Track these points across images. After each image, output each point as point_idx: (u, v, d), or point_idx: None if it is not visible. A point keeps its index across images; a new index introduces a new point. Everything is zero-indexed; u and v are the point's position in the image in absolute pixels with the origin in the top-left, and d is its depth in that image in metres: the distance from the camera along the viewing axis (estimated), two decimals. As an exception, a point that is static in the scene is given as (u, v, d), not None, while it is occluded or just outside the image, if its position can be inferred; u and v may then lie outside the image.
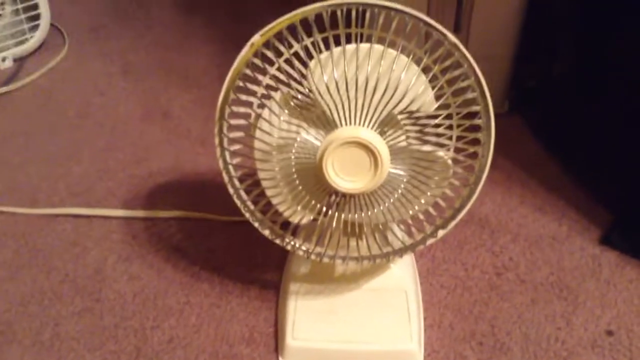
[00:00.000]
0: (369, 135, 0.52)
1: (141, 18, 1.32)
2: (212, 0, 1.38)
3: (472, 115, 0.56)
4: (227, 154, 0.58)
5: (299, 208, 0.58)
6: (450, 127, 0.56)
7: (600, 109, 0.85)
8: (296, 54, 0.54)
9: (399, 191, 0.57)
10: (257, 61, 0.55)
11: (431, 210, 0.60)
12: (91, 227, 0.81)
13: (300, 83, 0.54)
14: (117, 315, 0.70)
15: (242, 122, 0.57)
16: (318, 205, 0.58)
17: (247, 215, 0.60)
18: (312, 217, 0.59)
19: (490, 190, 0.86)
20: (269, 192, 0.58)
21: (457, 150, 0.58)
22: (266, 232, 0.61)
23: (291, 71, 0.55)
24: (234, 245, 0.78)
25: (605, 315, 0.69)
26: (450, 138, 0.57)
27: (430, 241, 0.61)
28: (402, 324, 0.65)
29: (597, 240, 0.79)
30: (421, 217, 0.59)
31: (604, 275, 0.74)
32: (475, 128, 0.56)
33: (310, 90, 0.54)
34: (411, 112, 0.55)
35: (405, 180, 0.56)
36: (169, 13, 1.34)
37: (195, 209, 0.83)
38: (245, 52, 0.54)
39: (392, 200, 0.57)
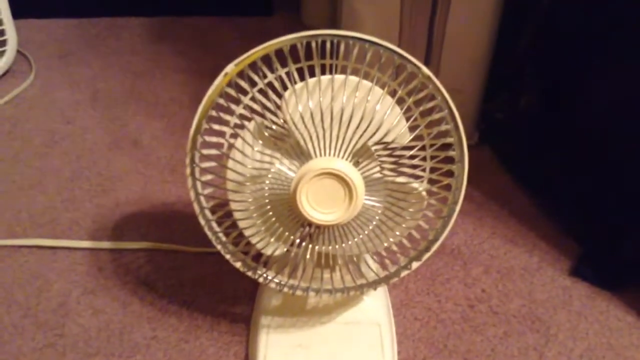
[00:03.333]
0: (344, 166, 0.52)
1: (110, 45, 1.31)
2: (180, 29, 1.37)
3: (446, 147, 0.56)
4: (198, 184, 0.57)
5: (272, 240, 0.57)
6: (424, 159, 0.57)
7: (565, 141, 0.87)
8: (270, 85, 0.54)
9: (374, 222, 0.56)
10: (231, 91, 0.54)
11: (405, 242, 0.59)
12: (55, 259, 0.79)
13: (274, 113, 0.54)
14: (80, 352, 0.67)
15: (214, 151, 0.56)
16: (291, 237, 0.57)
17: (219, 247, 0.59)
18: (285, 249, 0.58)
19: (462, 221, 0.87)
20: (241, 224, 0.57)
21: (431, 181, 0.58)
22: (238, 265, 0.60)
23: (265, 101, 0.54)
24: (204, 277, 0.76)
25: (577, 348, 0.70)
26: (424, 170, 0.57)
27: (404, 273, 0.61)
28: (376, 359, 0.64)
29: (567, 272, 0.79)
30: (395, 249, 0.59)
31: (575, 306, 0.75)
32: (449, 160, 0.56)
33: (284, 121, 0.53)
34: (386, 144, 0.55)
35: (380, 211, 0.56)
36: (138, 41, 1.32)
37: (164, 240, 0.81)
38: (219, 81, 0.53)
39: (366, 232, 0.56)
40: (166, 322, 0.71)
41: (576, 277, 0.79)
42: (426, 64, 0.91)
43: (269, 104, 0.54)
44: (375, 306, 0.69)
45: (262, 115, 0.54)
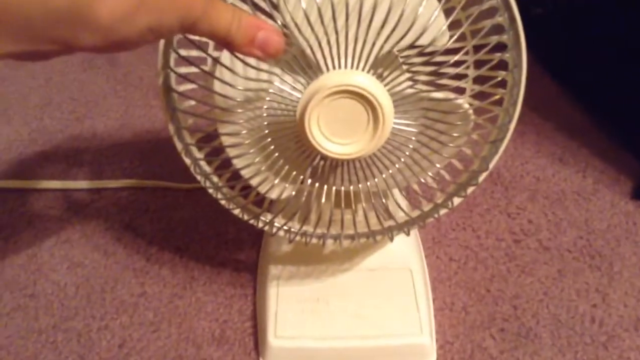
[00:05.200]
0: (366, 81, 0.38)
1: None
2: None
3: (497, 49, 0.42)
4: (179, 115, 0.43)
5: (275, 181, 0.44)
6: (467, 67, 0.43)
7: (623, 38, 0.72)
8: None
9: (406, 152, 0.43)
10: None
11: (444, 173, 0.47)
12: (22, 203, 0.67)
13: (269, 14, 0.40)
14: (55, 315, 0.57)
15: (194, 70, 0.42)
16: (300, 176, 0.44)
17: (211, 191, 0.47)
18: (293, 191, 0.45)
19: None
20: (235, 162, 0.44)
21: (477, 96, 0.44)
22: (236, 212, 0.48)
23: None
24: (199, 219, 0.65)
25: (647, 287, 0.58)
26: (466, 81, 0.44)
27: (442, 212, 0.48)
28: (409, 312, 0.53)
29: (629, 194, 0.67)
30: (431, 182, 0.46)
31: (642, 236, 0.63)
32: (501, 66, 0.42)
33: (283, 24, 0.39)
34: (420, 48, 0.41)
35: (413, 137, 0.43)
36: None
37: (150, 176, 0.70)
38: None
39: (396, 164, 0.43)
40: (156, 274, 0.60)
41: (640, 200, 0.66)
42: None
43: (261, 3, 0.39)
44: (405, 247, 0.57)
45: (257, 8, 0.40)
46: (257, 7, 0.40)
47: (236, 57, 0.39)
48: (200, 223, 0.65)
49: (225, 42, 0.33)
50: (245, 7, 0.39)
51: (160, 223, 0.65)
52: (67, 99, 0.81)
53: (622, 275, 0.59)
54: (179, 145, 0.45)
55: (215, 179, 0.46)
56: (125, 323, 0.56)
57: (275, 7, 0.39)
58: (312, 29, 0.38)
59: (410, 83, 0.41)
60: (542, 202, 0.67)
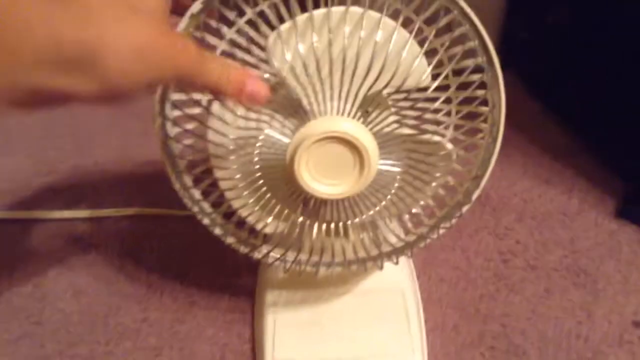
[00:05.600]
0: (352, 127, 0.41)
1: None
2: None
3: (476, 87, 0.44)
4: (177, 160, 0.46)
5: (268, 220, 0.47)
6: (448, 102, 0.45)
7: (604, 61, 0.74)
8: (251, 23, 0.42)
9: (392, 190, 0.46)
10: (202, 34, 0.42)
11: (430, 202, 0.49)
12: (27, 233, 0.69)
13: (256, 66, 0.42)
14: (61, 341, 0.58)
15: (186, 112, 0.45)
16: (292, 215, 0.46)
17: (206, 222, 0.49)
18: (284, 228, 0.48)
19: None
20: (232, 203, 0.46)
21: (457, 128, 0.47)
22: (231, 240, 0.50)
23: (249, 48, 0.42)
24: (198, 245, 0.67)
25: (630, 303, 0.60)
26: (449, 113, 0.46)
27: (428, 241, 0.51)
28: (401, 333, 0.55)
29: (613, 214, 0.69)
30: (420, 214, 0.49)
31: (625, 254, 0.65)
32: (480, 102, 0.45)
33: (273, 73, 0.42)
34: (405, 92, 0.43)
35: (398, 176, 0.45)
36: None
37: (150, 204, 0.71)
38: (184, 25, 0.41)
39: (382, 202, 0.46)
40: (157, 300, 0.62)
41: (623, 219, 0.69)
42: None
43: (250, 59, 0.42)
44: (396, 270, 0.59)
45: (246, 63, 0.42)
46: (245, 62, 0.42)
47: (225, 107, 0.42)
48: (200, 249, 0.66)
49: (216, 93, 0.36)
50: (236, 52, 0.42)
51: (161, 250, 0.67)
52: (68, 130, 0.83)
53: (606, 293, 0.62)
54: (177, 186, 0.47)
55: (214, 216, 0.49)
56: (128, 348, 0.58)
57: (264, 60, 0.42)
58: (298, 79, 0.41)
59: (395, 125, 0.44)
60: (529, 223, 0.69)
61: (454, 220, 0.50)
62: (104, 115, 0.85)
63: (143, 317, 0.60)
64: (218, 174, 0.45)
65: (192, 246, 0.67)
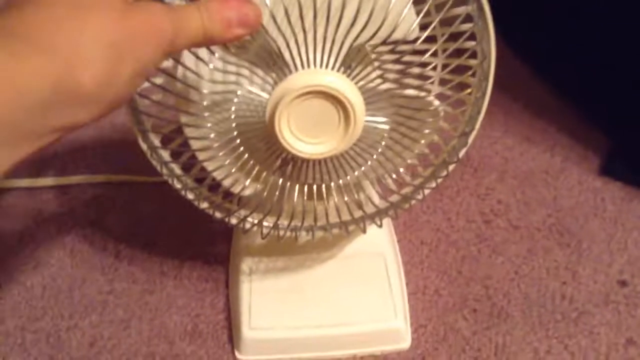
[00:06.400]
0: (336, 80, 0.37)
1: None
2: None
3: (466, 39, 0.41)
4: (143, 118, 0.42)
5: (247, 182, 0.44)
6: (434, 55, 0.42)
7: (587, 17, 0.72)
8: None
9: (379, 149, 0.43)
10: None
11: (416, 163, 0.46)
12: (-16, 202, 0.65)
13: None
14: (23, 316, 0.56)
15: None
16: (271, 176, 0.43)
17: (177, 185, 0.46)
18: (264, 190, 0.45)
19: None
20: (205, 164, 0.43)
21: (444, 82, 0.44)
22: (204, 205, 0.47)
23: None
24: (168, 212, 0.64)
25: (615, 262, 0.59)
26: (434, 68, 0.43)
27: (413, 202, 0.48)
28: (383, 297, 0.53)
29: (597, 171, 0.68)
30: (404, 174, 0.46)
31: (609, 212, 0.64)
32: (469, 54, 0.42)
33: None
34: (391, 44, 0.40)
35: (385, 134, 0.42)
36: None
37: (116, 170, 0.68)
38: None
39: (368, 161, 0.43)
40: (124, 271, 0.59)
41: (608, 176, 0.67)
42: None
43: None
44: (377, 233, 0.57)
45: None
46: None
47: (201, 60, 0.38)
48: (169, 216, 0.64)
49: (206, 42, 0.32)
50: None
51: (128, 218, 0.64)
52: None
53: (591, 252, 0.60)
54: (144, 146, 0.44)
55: (177, 170, 0.45)
56: (94, 321, 0.55)
57: None
58: (279, 28, 0.37)
59: (379, 81, 0.41)
60: (511, 182, 0.67)
61: (439, 180, 0.47)
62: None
63: (110, 288, 0.58)
64: (190, 133, 0.42)
65: (162, 214, 0.64)
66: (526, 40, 0.82)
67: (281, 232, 0.48)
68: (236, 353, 0.52)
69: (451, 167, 0.46)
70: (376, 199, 0.48)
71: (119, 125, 0.74)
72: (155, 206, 0.65)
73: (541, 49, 0.80)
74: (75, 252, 0.60)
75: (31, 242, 0.62)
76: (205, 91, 0.40)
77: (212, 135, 0.42)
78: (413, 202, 0.48)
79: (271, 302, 0.53)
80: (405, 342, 0.53)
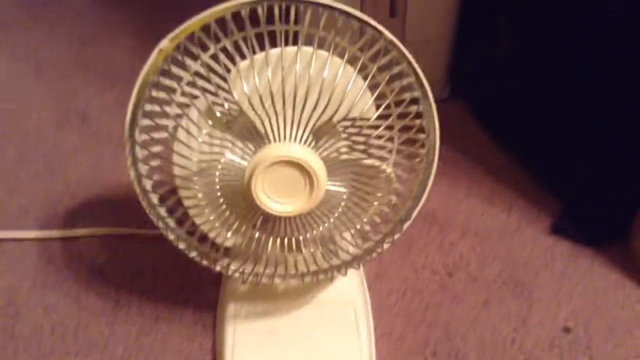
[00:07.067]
0: (302, 152, 0.46)
1: (54, 11, 1.21)
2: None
3: (415, 116, 0.50)
4: (144, 180, 0.51)
5: (228, 235, 0.52)
6: (390, 138, 0.51)
7: (542, 91, 0.82)
8: (215, 58, 0.47)
9: (339, 209, 0.51)
10: (171, 68, 0.48)
11: (377, 219, 0.55)
12: (1, 251, 0.72)
13: (217, 95, 0.48)
14: (33, 353, 0.62)
15: (154, 136, 0.50)
16: (249, 231, 0.51)
17: (171, 237, 0.54)
18: (242, 241, 0.53)
19: (436, 182, 0.81)
20: (194, 218, 0.51)
21: (399, 154, 0.53)
22: (193, 254, 0.55)
23: (213, 79, 0.48)
24: (164, 262, 0.71)
25: (561, 311, 0.66)
26: (391, 139, 0.52)
27: (373, 256, 0.56)
28: (351, 341, 0.60)
29: (548, 231, 0.76)
30: (367, 228, 0.54)
31: (558, 267, 0.71)
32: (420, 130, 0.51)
33: (234, 102, 0.47)
34: (351, 120, 0.49)
35: (345, 197, 0.51)
36: (86, 5, 1.23)
37: (119, 224, 0.76)
38: (153, 59, 0.47)
39: (331, 219, 0.51)
40: (124, 314, 0.66)
41: (557, 235, 0.75)
42: (391, 15, 0.84)
43: (214, 82, 0.47)
44: (349, 283, 0.64)
45: (211, 93, 0.48)
46: (206, 90, 0.48)
47: (191, 134, 0.47)
48: (166, 266, 0.71)
49: None
50: (196, 92, 0.48)
51: (129, 268, 0.71)
52: (41, 155, 0.87)
53: (540, 302, 0.67)
54: (144, 204, 0.52)
55: (171, 223, 0.54)
56: (96, 358, 0.61)
57: (225, 90, 0.47)
58: (256, 111, 0.46)
59: (344, 150, 0.50)
60: (472, 239, 0.75)
61: (396, 236, 0.55)
62: (75, 140, 0.89)
63: (111, 330, 0.64)
64: (182, 193, 0.50)
65: (159, 264, 0.71)
66: (490, 113, 0.92)
67: (259, 279, 0.56)
68: (221, 388, 0.59)
69: (406, 225, 0.54)
70: (341, 252, 0.56)
71: (123, 183, 0.82)
72: (152, 257, 0.72)
73: (503, 121, 0.90)
74: (81, 298, 0.67)
75: (42, 289, 0.68)
76: (194, 159, 0.49)
77: (199, 195, 0.50)
78: (374, 255, 0.56)
79: (251, 343, 0.59)
80: (371, 382, 0.60)
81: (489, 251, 0.73)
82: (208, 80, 0.47)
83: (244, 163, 0.48)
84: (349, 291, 0.64)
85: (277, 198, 0.48)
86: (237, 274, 0.56)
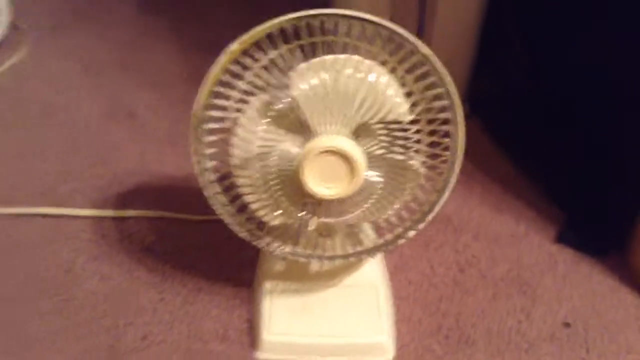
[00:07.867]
0: (346, 144, 0.54)
1: (102, 17, 1.31)
2: (173, 1, 1.38)
3: (443, 122, 0.58)
4: (206, 161, 0.59)
5: (277, 213, 0.60)
6: (419, 137, 0.59)
7: (550, 110, 0.89)
8: (274, 62, 0.56)
9: (374, 196, 0.59)
10: (236, 68, 0.56)
11: (403, 213, 0.62)
12: (58, 227, 0.80)
13: (279, 91, 0.56)
14: (88, 315, 0.69)
15: (219, 125, 0.58)
16: (296, 211, 0.59)
17: (226, 218, 0.61)
18: (290, 221, 0.61)
19: (452, 190, 0.89)
20: (247, 198, 0.59)
21: (431, 156, 0.60)
22: (244, 234, 0.63)
23: (270, 79, 0.56)
24: (205, 244, 0.79)
25: (562, 309, 0.73)
26: (418, 147, 0.60)
27: (400, 242, 0.64)
28: (373, 318, 0.67)
29: (553, 239, 0.83)
30: (393, 219, 0.62)
31: (560, 271, 0.78)
32: (446, 135, 0.59)
33: (291, 98, 0.55)
34: (387, 122, 0.57)
35: (380, 186, 0.59)
36: (130, 12, 1.33)
37: (164, 208, 0.83)
38: (221, 59, 0.55)
39: (366, 205, 0.59)
40: (170, 286, 0.73)
41: (561, 244, 0.82)
42: (419, 34, 0.93)
43: (274, 81, 0.56)
44: (373, 270, 0.72)
45: (268, 92, 0.56)
46: (269, 84, 0.56)
47: (253, 121, 0.55)
48: (207, 248, 0.78)
49: None
50: (259, 82, 0.56)
51: (174, 247, 0.78)
52: (90, 145, 0.95)
53: (543, 299, 0.74)
54: (202, 182, 0.60)
55: (232, 209, 0.61)
56: (146, 321, 0.69)
57: (286, 86, 0.56)
58: (311, 105, 0.55)
59: (382, 145, 0.58)
60: (483, 242, 0.82)
61: (421, 226, 0.63)
62: (124, 135, 0.98)
63: (159, 298, 0.72)
64: (241, 173, 0.58)
65: (201, 245, 0.79)
66: (504, 131, 1.00)
67: (297, 258, 0.63)
68: (256, 353, 0.66)
69: (430, 216, 0.62)
70: (372, 237, 0.63)
71: (168, 174, 0.90)
72: (196, 239, 0.79)
73: (515, 138, 0.98)
74: (132, 270, 0.75)
75: (96, 261, 0.76)
76: (256, 144, 0.57)
77: (257, 175, 0.58)
78: (401, 241, 0.63)
79: (286, 315, 0.67)
80: (389, 355, 0.67)
81: (498, 253, 0.81)
82: (267, 80, 0.55)
83: (297, 150, 0.56)
84: (373, 276, 0.71)
85: (323, 182, 0.55)
86: (279, 252, 0.63)
